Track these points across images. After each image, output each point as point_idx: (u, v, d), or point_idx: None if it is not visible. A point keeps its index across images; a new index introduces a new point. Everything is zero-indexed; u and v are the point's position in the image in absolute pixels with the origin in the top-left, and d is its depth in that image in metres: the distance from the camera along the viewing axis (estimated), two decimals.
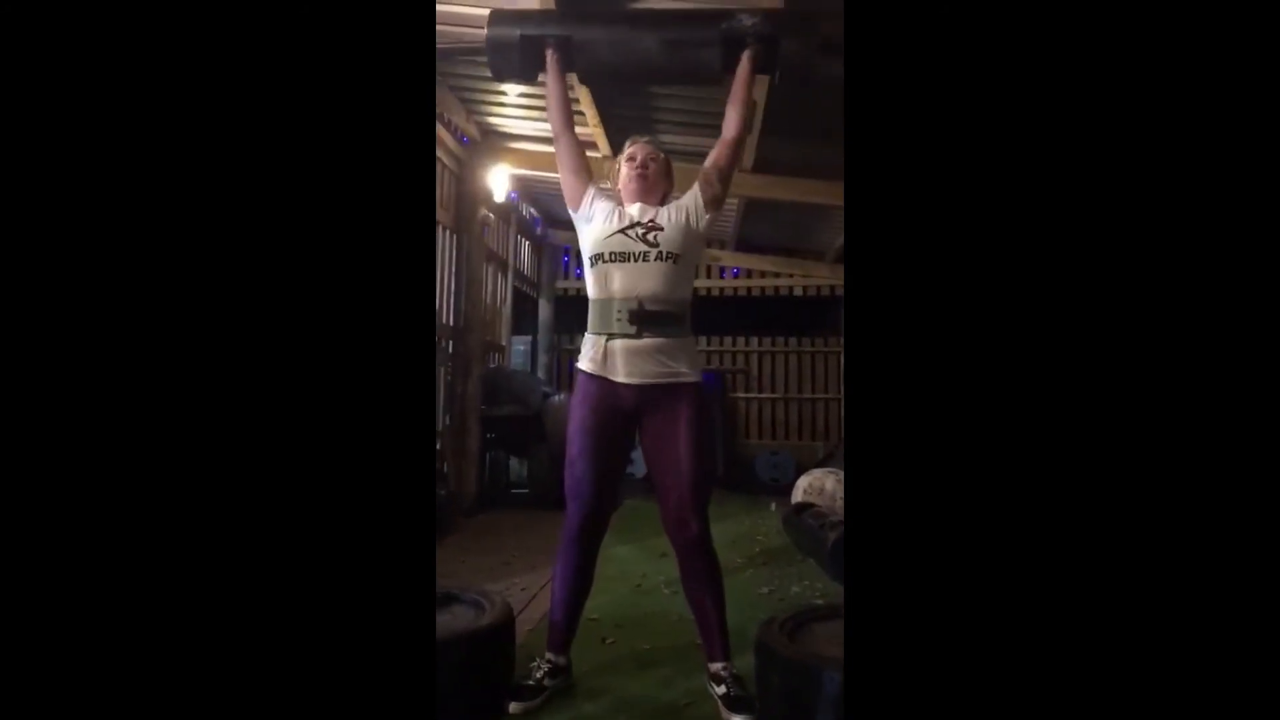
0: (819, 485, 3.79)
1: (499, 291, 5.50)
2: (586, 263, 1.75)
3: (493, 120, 4.31)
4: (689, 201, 1.75)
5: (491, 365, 5.12)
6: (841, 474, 3.82)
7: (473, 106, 4.15)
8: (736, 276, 6.94)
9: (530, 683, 1.66)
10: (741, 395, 6.80)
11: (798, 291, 6.90)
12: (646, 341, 1.65)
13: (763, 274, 6.79)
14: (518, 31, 1.87)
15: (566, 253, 6.93)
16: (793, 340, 6.87)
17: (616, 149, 4.32)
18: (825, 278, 6.52)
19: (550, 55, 1.84)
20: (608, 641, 2.09)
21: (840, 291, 6.37)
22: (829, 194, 4.21)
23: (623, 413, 1.68)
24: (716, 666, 1.69)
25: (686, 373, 1.68)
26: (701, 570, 1.70)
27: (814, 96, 3.35)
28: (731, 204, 5.20)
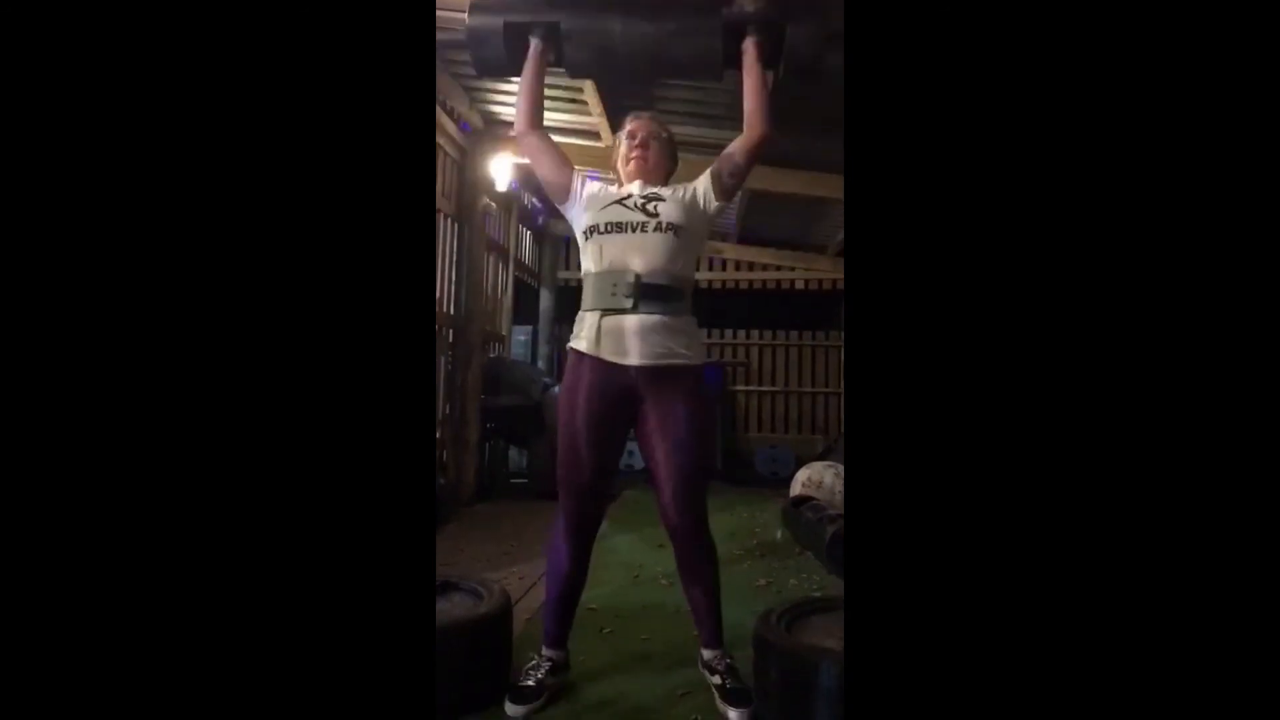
0: (817, 479, 3.79)
1: (500, 281, 5.50)
2: (580, 238, 1.67)
3: (495, 108, 4.29)
4: (699, 184, 1.68)
5: (492, 355, 5.12)
6: (839, 467, 3.82)
7: (475, 94, 4.14)
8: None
9: (530, 684, 1.61)
10: (741, 388, 6.80)
11: (799, 285, 6.89)
12: (644, 318, 1.57)
13: (764, 267, 6.78)
14: (501, 19, 1.71)
15: (568, 243, 6.92)
16: (793, 334, 6.86)
17: None
18: (827, 271, 6.51)
19: (534, 43, 1.70)
20: (605, 632, 2.09)
21: (842, 286, 6.37)
22: (832, 187, 4.20)
23: (618, 397, 1.61)
24: (710, 654, 1.68)
25: (686, 354, 1.61)
26: (696, 559, 1.68)
27: (817, 88, 3.35)
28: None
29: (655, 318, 1.58)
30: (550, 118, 4.26)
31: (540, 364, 6.28)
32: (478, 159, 4.40)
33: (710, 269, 6.75)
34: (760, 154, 1.69)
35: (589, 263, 1.65)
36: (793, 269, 6.70)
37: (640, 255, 1.59)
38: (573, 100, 3.91)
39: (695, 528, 1.65)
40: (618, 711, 1.62)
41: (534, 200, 6.12)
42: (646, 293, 1.58)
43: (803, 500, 3.55)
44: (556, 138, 4.97)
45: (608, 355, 1.59)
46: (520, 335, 6.27)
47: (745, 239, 6.39)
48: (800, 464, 4.48)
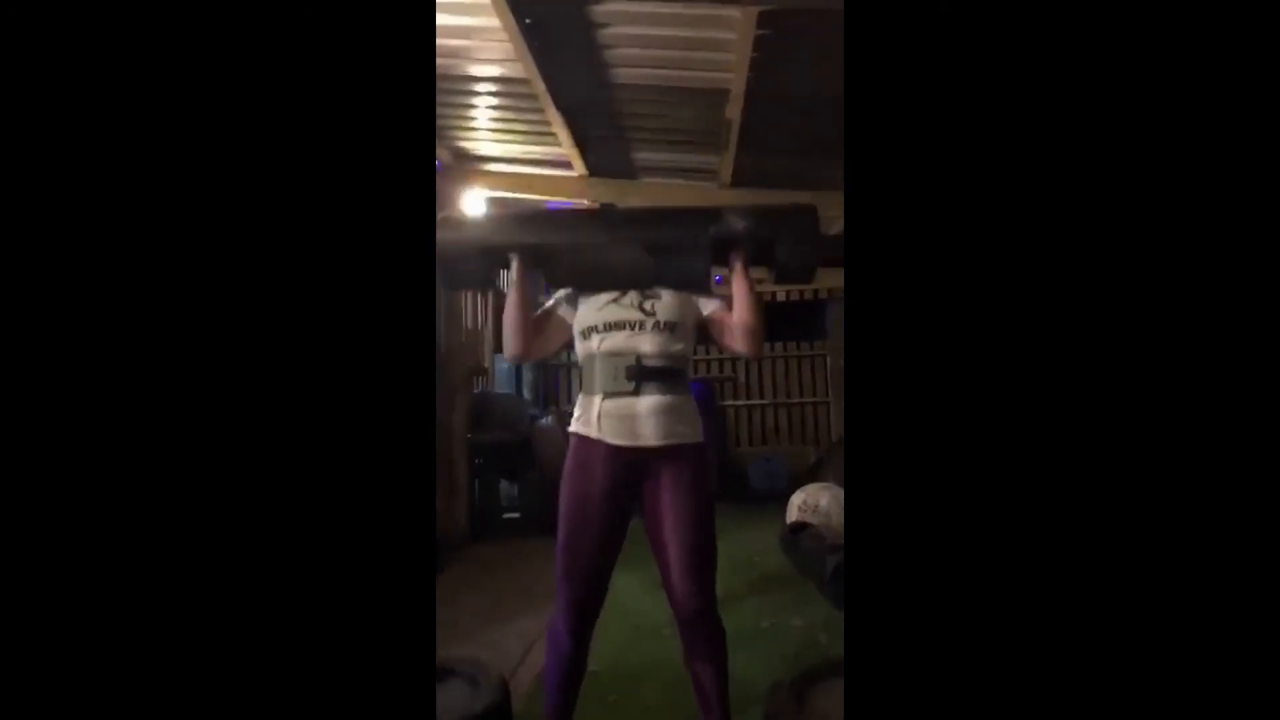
0: (814, 503, 3.74)
1: (479, 313, 5.44)
2: (578, 337, 1.64)
3: (464, 144, 4.24)
4: (698, 300, 1.67)
5: (477, 390, 5.05)
6: (835, 489, 3.78)
7: (444, 131, 4.08)
8: (719, 284, 6.91)
9: None
10: (731, 403, 6.76)
11: (779, 297, 6.86)
12: (645, 400, 1.55)
13: None
14: (478, 243, 1.65)
15: None
16: (779, 345, 6.84)
17: (592, 168, 4.28)
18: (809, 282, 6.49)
19: (516, 268, 1.60)
20: (610, 700, 2.03)
21: (824, 296, 6.35)
22: (815, 203, 4.18)
23: (624, 480, 1.57)
24: None
25: (689, 433, 1.59)
26: (703, 643, 1.61)
27: (790, 112, 3.32)
28: None
29: (658, 398, 1.56)
30: (520, 150, 4.24)
31: (525, 393, 6.21)
32: (450, 194, 4.34)
33: None
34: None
35: (586, 352, 1.62)
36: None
37: (639, 344, 1.58)
38: (542, 134, 3.87)
39: (706, 609, 1.58)
40: None
41: None
42: (648, 374, 1.56)
43: (801, 527, 3.50)
44: (526, 169, 4.84)
45: (611, 438, 1.56)
46: (503, 364, 6.21)
47: None
48: (794, 477, 4.45)
